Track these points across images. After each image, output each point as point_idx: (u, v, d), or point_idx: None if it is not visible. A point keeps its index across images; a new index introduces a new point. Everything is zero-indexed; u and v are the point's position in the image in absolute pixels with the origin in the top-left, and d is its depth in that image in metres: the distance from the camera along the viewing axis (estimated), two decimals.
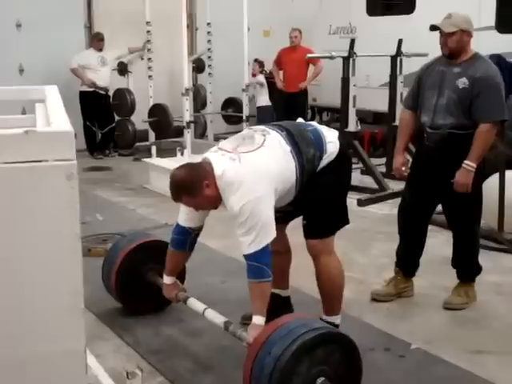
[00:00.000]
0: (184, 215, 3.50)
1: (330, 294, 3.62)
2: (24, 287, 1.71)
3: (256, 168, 3.17)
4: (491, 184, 5.42)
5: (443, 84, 3.94)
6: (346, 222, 3.61)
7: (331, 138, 3.49)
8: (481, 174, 4.03)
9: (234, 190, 3.10)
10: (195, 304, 3.55)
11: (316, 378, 2.75)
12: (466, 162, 3.84)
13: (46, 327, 1.73)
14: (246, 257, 3.16)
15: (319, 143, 3.43)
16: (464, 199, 3.97)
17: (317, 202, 3.47)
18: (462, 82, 3.86)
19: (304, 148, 3.36)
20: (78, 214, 1.68)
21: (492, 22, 8.04)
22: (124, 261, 3.98)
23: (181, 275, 3.86)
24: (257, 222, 3.09)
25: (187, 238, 3.54)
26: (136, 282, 3.97)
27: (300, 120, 3.82)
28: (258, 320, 3.12)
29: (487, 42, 7.10)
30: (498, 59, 5.08)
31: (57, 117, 1.87)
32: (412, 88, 4.23)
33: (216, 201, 3.24)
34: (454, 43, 3.90)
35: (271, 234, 3.16)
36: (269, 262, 3.15)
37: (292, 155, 3.32)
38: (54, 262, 1.70)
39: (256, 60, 9.99)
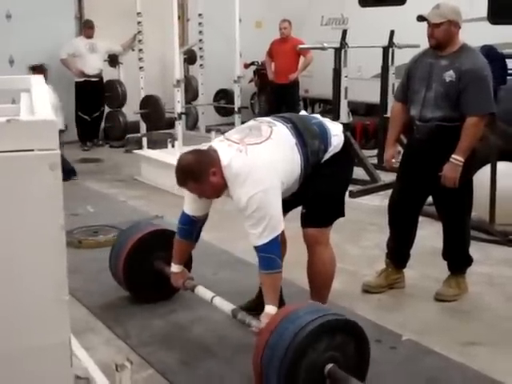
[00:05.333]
0: (189, 204, 3.50)
1: (321, 283, 3.61)
2: (6, 279, 1.68)
3: (263, 161, 3.18)
4: (482, 175, 5.43)
5: (431, 77, 3.91)
6: (342, 214, 3.62)
7: (336, 131, 3.52)
8: (470, 166, 4.02)
9: (241, 181, 3.11)
10: (203, 292, 3.59)
11: (326, 364, 2.75)
12: (453, 156, 3.82)
13: (30, 320, 1.70)
14: (256, 248, 3.17)
15: (324, 136, 3.44)
16: (454, 191, 3.96)
17: (318, 192, 3.49)
18: (449, 76, 3.83)
19: (309, 140, 3.37)
20: (61, 204, 1.66)
21: (484, 13, 8.04)
22: (132, 249, 3.97)
23: (188, 263, 3.88)
24: (265, 214, 3.11)
25: (193, 228, 3.56)
26: (144, 270, 3.97)
27: (303, 113, 3.82)
28: (271, 309, 3.14)
29: (479, 34, 7.12)
30: (489, 50, 5.08)
31: (41, 106, 1.84)
32: (402, 81, 4.22)
33: (221, 189, 3.24)
34: (442, 34, 3.83)
35: (280, 225, 3.18)
36: (279, 253, 3.17)
37: (297, 148, 3.33)
38: (37, 254, 1.67)
39: None
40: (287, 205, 3.60)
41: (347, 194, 3.71)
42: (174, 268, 3.69)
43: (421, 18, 3.93)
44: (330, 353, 2.77)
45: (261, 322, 3.11)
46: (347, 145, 3.60)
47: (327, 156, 3.44)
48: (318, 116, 3.69)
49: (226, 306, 3.42)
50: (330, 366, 2.75)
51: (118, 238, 4.23)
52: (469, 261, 4.23)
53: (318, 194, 3.49)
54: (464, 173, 3.91)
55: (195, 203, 3.45)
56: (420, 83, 3.96)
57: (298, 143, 3.33)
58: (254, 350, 2.86)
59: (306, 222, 3.54)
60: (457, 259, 4.23)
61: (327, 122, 3.58)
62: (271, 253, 3.14)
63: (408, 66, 4.17)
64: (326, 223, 3.56)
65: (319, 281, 3.61)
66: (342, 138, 3.52)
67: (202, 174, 3.16)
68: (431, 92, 3.89)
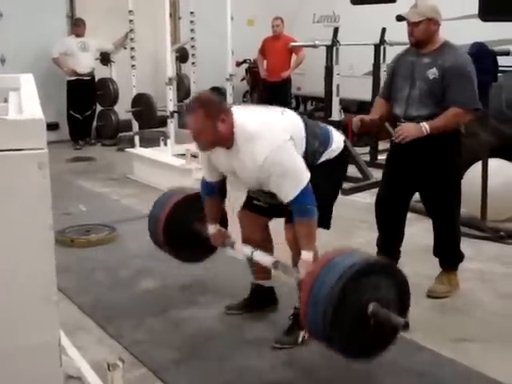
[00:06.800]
0: (208, 173, 3.60)
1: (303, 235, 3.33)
2: None
3: (277, 124, 3.27)
4: (474, 172, 5.45)
5: (414, 75, 3.92)
6: (327, 226, 3.54)
7: (337, 139, 3.56)
8: (458, 161, 4.03)
9: (255, 141, 3.17)
10: (242, 248, 3.69)
11: (368, 303, 2.79)
12: (423, 123, 3.81)
13: (18, 319, 1.69)
14: (289, 203, 3.21)
15: (325, 139, 3.48)
16: (441, 187, 3.98)
17: None
18: (432, 73, 3.84)
19: (311, 139, 3.39)
20: (50, 204, 1.65)
21: (475, 10, 8.06)
22: (171, 212, 3.95)
23: (223, 221, 3.90)
24: (287, 169, 3.15)
25: (215, 189, 3.65)
26: (183, 232, 3.96)
27: None
28: (307, 255, 3.20)
29: (471, 31, 7.15)
30: (480, 47, 5.09)
31: (29, 105, 1.83)
32: (386, 80, 4.25)
33: (219, 140, 3.24)
34: (421, 32, 3.86)
35: (305, 175, 3.18)
36: (312, 201, 3.17)
37: (304, 142, 3.37)
38: (25, 253, 1.66)
39: None
40: (273, 210, 3.62)
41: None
42: (211, 228, 3.73)
43: (400, 18, 3.96)
44: (371, 294, 2.82)
45: (300, 270, 3.19)
46: (345, 154, 3.59)
47: (321, 159, 3.44)
48: (323, 124, 3.73)
49: (267, 258, 3.53)
50: (372, 305, 2.79)
51: (154, 206, 4.13)
52: (460, 257, 4.24)
53: None
54: (452, 166, 3.93)
55: (213, 171, 3.55)
56: (403, 82, 3.97)
57: (305, 137, 3.37)
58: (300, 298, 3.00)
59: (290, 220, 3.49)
60: (448, 256, 4.24)
61: (332, 129, 3.62)
62: (304, 203, 3.16)
63: (390, 65, 4.22)
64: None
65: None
66: (342, 146, 3.54)
67: (214, 111, 3.19)
68: (415, 90, 3.90)
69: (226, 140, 3.24)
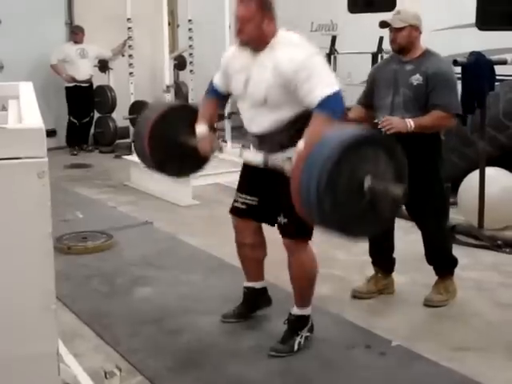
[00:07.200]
0: (219, 78, 3.63)
1: (302, 285, 3.55)
2: None
3: None
4: (471, 181, 5.47)
5: (397, 82, 3.95)
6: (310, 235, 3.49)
7: None
8: (440, 165, 4.04)
9: (296, 47, 3.27)
10: (231, 150, 3.66)
11: (365, 176, 2.73)
12: (409, 119, 3.82)
13: (17, 329, 1.69)
14: (318, 105, 3.15)
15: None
16: (425, 195, 3.98)
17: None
18: (416, 79, 3.89)
19: None
20: (49, 212, 1.65)
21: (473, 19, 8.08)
22: (155, 125, 3.76)
23: (212, 129, 3.77)
24: (321, 71, 3.22)
25: (218, 95, 3.68)
26: (170, 145, 3.77)
27: None
28: (301, 145, 3.06)
29: (469, 40, 7.17)
30: (477, 57, 5.11)
31: (29, 114, 1.83)
32: (366, 87, 4.26)
33: (258, 38, 3.28)
34: (404, 39, 3.93)
35: (336, 83, 3.22)
36: (341, 108, 3.20)
37: None
38: (25, 262, 1.66)
39: None
40: (263, 212, 3.59)
41: None
42: (200, 128, 3.58)
43: (383, 24, 4.02)
44: (367, 166, 2.76)
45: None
46: None
47: None
48: None
49: (257, 156, 3.43)
50: (369, 177, 2.73)
51: (140, 117, 4.00)
52: (453, 263, 4.23)
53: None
54: (434, 173, 3.97)
55: (224, 79, 3.57)
56: (386, 90, 4.00)
57: None
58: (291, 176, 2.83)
59: (284, 233, 3.47)
60: (441, 263, 4.23)
61: None
62: (333, 106, 3.14)
63: (371, 73, 4.25)
64: (305, 236, 3.45)
65: (299, 283, 3.55)
66: None
67: (267, 8, 3.29)
68: (399, 97, 3.93)
69: (263, 41, 3.31)
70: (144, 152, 3.79)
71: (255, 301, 3.90)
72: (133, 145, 3.95)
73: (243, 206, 3.64)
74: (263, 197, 3.56)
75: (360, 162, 2.76)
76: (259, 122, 3.37)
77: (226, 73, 3.54)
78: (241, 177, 3.73)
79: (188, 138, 3.68)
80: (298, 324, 3.56)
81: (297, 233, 3.41)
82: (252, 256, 3.76)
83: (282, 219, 3.43)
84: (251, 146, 3.65)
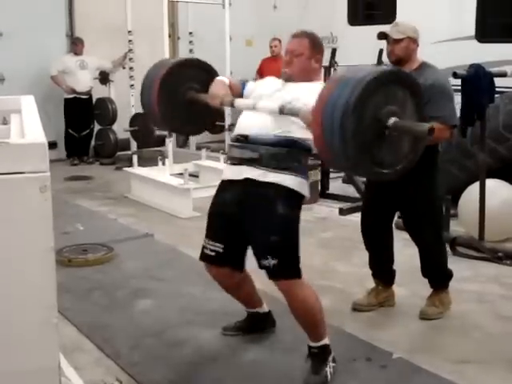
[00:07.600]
0: (250, 83, 3.63)
1: (308, 322, 3.34)
2: None
3: None
4: (471, 193, 5.47)
5: None
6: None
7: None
8: (436, 177, 4.03)
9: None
10: (243, 103, 3.39)
11: (388, 118, 2.72)
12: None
13: (19, 343, 1.69)
14: None
15: None
16: (421, 207, 3.99)
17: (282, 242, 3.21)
18: None
19: None
20: (51, 226, 1.66)
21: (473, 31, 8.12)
22: (163, 81, 3.67)
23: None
24: None
25: (243, 87, 3.61)
26: (177, 99, 3.70)
27: None
28: None
29: (469, 52, 7.20)
30: (477, 69, 5.13)
31: (31, 128, 1.84)
32: None
33: (302, 73, 3.34)
34: (402, 50, 3.95)
35: None
36: None
37: None
38: (27, 276, 1.66)
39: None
40: (233, 255, 3.44)
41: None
42: (221, 77, 3.57)
43: (381, 35, 4.04)
44: (388, 108, 2.74)
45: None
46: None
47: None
48: None
49: (270, 105, 3.19)
50: (392, 119, 2.72)
51: (147, 74, 3.87)
52: (448, 276, 4.22)
53: (283, 244, 3.21)
54: (428, 186, 3.97)
55: (251, 87, 3.56)
56: None
57: None
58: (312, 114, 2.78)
59: (275, 275, 3.23)
60: (435, 276, 4.22)
61: None
62: None
63: None
64: (298, 273, 3.24)
65: (305, 321, 3.34)
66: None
67: (318, 49, 3.39)
68: None
69: (306, 78, 3.34)
70: (151, 103, 3.69)
71: (259, 323, 3.85)
72: (141, 101, 3.82)
73: (212, 254, 3.43)
74: (234, 240, 3.37)
75: (387, 97, 2.77)
76: (263, 122, 3.24)
77: (255, 87, 3.54)
78: (209, 217, 3.48)
79: (198, 95, 3.65)
80: (322, 355, 3.36)
81: (290, 271, 3.22)
82: (239, 294, 3.69)
83: (270, 261, 3.18)
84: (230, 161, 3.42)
